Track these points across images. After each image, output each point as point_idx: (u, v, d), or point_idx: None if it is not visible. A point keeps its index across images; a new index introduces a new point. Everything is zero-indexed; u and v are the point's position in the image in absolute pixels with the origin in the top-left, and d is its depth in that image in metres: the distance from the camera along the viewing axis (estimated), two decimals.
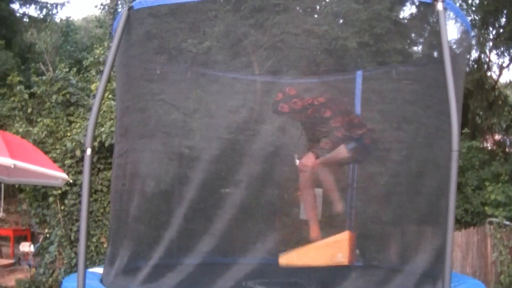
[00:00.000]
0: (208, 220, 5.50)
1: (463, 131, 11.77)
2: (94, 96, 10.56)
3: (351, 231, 5.55)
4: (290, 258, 5.51)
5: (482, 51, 14.55)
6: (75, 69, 12.37)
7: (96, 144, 9.08)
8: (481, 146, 13.04)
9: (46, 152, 9.28)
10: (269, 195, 6.28)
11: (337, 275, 5.32)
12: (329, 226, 6.15)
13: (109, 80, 4.63)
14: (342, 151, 5.77)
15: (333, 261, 5.28)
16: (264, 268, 5.79)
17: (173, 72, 6.66)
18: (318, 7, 8.11)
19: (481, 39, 13.99)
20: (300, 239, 6.07)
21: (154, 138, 6.06)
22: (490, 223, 9.64)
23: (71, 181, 8.82)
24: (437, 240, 4.87)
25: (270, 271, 5.67)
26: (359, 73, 6.89)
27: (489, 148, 14.68)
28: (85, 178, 4.42)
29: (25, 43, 20.72)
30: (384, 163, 6.61)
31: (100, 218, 9.57)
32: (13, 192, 14.64)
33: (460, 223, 10.46)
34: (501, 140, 15.14)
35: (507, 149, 14.48)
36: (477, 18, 13.96)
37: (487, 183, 10.62)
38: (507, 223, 9.44)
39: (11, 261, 12.47)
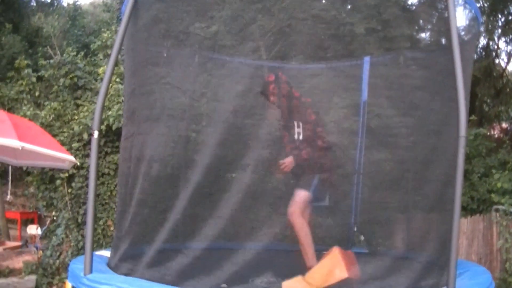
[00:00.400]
0: (214, 204, 5.52)
1: (470, 118, 11.73)
2: (102, 79, 10.57)
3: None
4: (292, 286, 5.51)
5: (490, 38, 14.49)
6: (82, 53, 12.38)
7: (103, 127, 9.09)
8: (488, 133, 13.02)
9: (54, 136, 9.30)
10: (275, 180, 6.28)
11: None
12: (335, 211, 6.17)
13: (116, 64, 4.64)
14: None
15: (334, 279, 5.29)
16: (270, 253, 5.82)
17: (180, 56, 6.66)
18: None
19: (490, 26, 13.91)
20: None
21: (160, 122, 6.06)
22: (496, 210, 9.63)
23: (78, 163, 8.85)
24: (443, 227, 4.88)
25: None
26: (367, 59, 6.88)
27: (496, 136, 14.65)
28: (92, 161, 4.45)
29: (32, 27, 20.78)
30: (391, 150, 6.61)
31: (107, 201, 9.60)
32: (20, 175, 14.75)
33: (466, 210, 10.46)
34: (508, 128, 15.12)
35: None
36: (486, 5, 13.89)
37: (493, 171, 10.60)
38: None
39: (19, 243, 12.55)
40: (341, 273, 5.25)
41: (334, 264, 5.32)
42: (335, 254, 5.39)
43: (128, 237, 5.31)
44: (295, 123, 5.96)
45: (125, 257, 5.24)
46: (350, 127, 6.93)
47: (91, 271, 4.49)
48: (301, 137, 5.94)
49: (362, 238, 6.66)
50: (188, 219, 5.54)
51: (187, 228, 5.62)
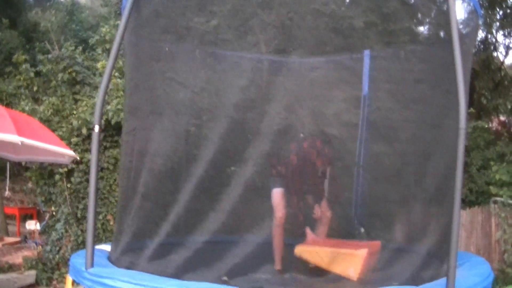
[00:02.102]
0: (215, 198, 5.53)
1: (469, 111, 11.74)
2: (101, 74, 10.55)
3: (371, 248, 5.53)
4: (305, 253, 5.53)
5: (489, 31, 14.48)
6: (80, 48, 12.35)
7: (102, 122, 9.06)
8: (487, 126, 13.03)
9: (52, 131, 9.26)
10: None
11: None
12: (336, 204, 6.19)
13: (115, 59, 4.63)
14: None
15: (343, 273, 5.32)
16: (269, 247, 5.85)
17: (181, 51, 6.67)
18: None
19: (488, 19, 13.90)
20: (306, 219, 6.11)
21: (162, 116, 6.07)
22: (495, 202, 9.66)
23: (78, 158, 8.83)
24: (443, 219, 4.90)
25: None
26: (367, 52, 6.89)
27: (494, 128, 14.67)
28: (94, 155, 4.44)
29: (29, 22, 20.71)
30: (391, 143, 6.63)
31: (106, 196, 9.59)
32: (18, 171, 14.73)
33: (465, 203, 10.47)
34: (506, 120, 15.13)
35: None
36: None
37: (492, 163, 10.64)
38: None
39: (18, 239, 12.54)
40: (352, 274, 5.26)
41: (354, 263, 5.32)
42: (361, 255, 5.37)
43: (129, 230, 5.32)
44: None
45: (126, 250, 5.26)
46: (351, 120, 6.95)
47: (92, 265, 4.50)
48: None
49: (362, 230, 6.68)
50: (189, 213, 5.55)
51: (188, 221, 5.63)
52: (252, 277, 5.09)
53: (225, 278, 4.78)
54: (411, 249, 5.61)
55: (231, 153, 6.34)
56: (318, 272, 5.43)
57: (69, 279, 7.15)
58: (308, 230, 5.96)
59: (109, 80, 4.69)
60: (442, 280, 4.19)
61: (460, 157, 4.05)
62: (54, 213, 10.56)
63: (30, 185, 14.05)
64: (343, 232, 6.71)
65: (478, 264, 5.29)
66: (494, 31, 14.70)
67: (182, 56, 6.64)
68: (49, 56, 11.34)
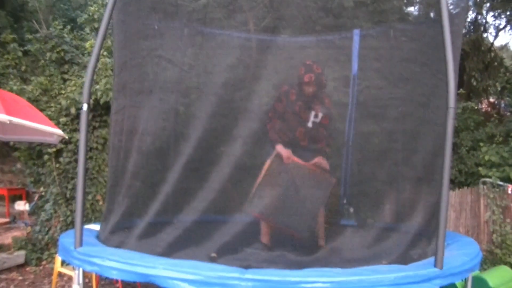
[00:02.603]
0: (204, 178, 5.52)
1: (459, 92, 11.76)
2: (89, 54, 10.47)
3: None
4: None
5: (479, 12, 14.49)
6: (69, 27, 12.25)
7: (91, 101, 8.97)
8: (476, 107, 13.07)
9: (41, 110, 9.19)
10: (265, 153, 6.27)
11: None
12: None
13: (104, 37, 4.59)
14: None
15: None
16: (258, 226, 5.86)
17: (170, 29, 6.62)
18: None
19: (478, 0, 13.89)
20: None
21: (152, 95, 6.04)
22: (484, 183, 9.70)
23: (66, 137, 8.78)
24: (432, 198, 4.92)
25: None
26: (356, 31, 6.86)
27: (484, 109, 14.70)
28: (82, 133, 4.41)
29: (17, 1, 20.47)
30: (380, 121, 6.63)
31: (95, 176, 9.55)
32: (7, 151, 14.62)
33: (454, 184, 10.52)
34: (496, 102, 15.17)
35: (501, 111, 14.52)
36: None
37: (481, 144, 10.66)
38: (501, 183, 9.50)
39: (7, 220, 12.50)
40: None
41: None
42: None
43: (119, 210, 5.32)
44: (313, 113, 6.02)
45: (115, 229, 5.25)
46: (340, 99, 6.94)
47: (81, 245, 4.49)
48: (310, 124, 6.02)
49: (352, 210, 6.70)
50: (178, 192, 5.53)
51: (178, 200, 5.62)
52: (241, 254, 5.09)
53: (213, 254, 4.79)
54: (400, 228, 5.63)
55: (220, 132, 6.31)
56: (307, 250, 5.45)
57: (58, 259, 7.16)
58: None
59: (98, 59, 4.65)
60: (431, 259, 4.21)
61: (449, 136, 4.05)
62: (43, 193, 10.52)
63: (19, 165, 13.97)
64: (332, 211, 6.73)
65: (466, 244, 5.32)
66: (484, 12, 14.70)
67: (170, 34, 6.60)
68: (37, 35, 11.25)
